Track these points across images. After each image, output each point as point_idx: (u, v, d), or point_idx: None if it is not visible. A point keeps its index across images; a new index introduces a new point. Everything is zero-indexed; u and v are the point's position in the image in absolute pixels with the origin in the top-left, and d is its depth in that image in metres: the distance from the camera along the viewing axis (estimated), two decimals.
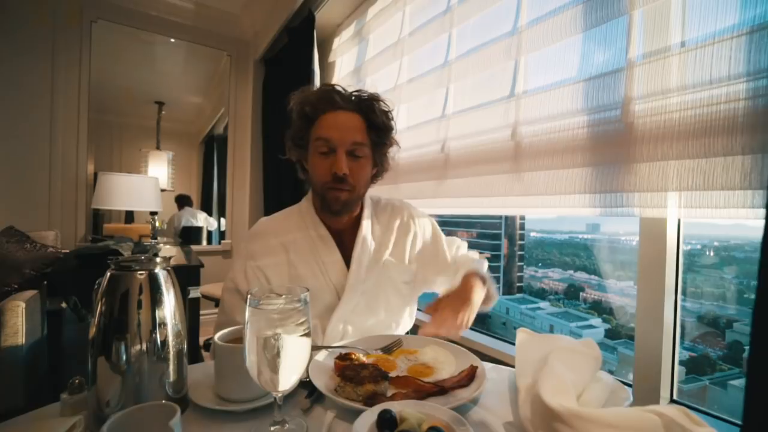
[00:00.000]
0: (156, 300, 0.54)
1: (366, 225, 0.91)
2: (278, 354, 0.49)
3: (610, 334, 1.62)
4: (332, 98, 0.83)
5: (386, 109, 0.88)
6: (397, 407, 0.49)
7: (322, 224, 0.88)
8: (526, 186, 1.13)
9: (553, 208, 1.06)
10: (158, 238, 2.61)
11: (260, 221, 0.94)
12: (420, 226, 0.99)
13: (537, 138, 1.10)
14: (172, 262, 0.60)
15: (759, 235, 0.58)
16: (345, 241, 0.90)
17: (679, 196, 0.78)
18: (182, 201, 3.18)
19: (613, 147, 0.90)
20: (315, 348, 0.73)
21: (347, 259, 0.88)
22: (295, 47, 2.47)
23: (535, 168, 1.10)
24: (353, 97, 0.85)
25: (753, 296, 0.59)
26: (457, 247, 1.06)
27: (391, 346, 0.80)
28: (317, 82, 2.32)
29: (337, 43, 2.41)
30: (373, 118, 0.84)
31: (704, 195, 0.75)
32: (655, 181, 0.82)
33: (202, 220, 3.26)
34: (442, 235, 1.04)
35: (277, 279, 0.85)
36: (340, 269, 0.88)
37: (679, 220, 0.92)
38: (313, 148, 0.83)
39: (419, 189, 1.60)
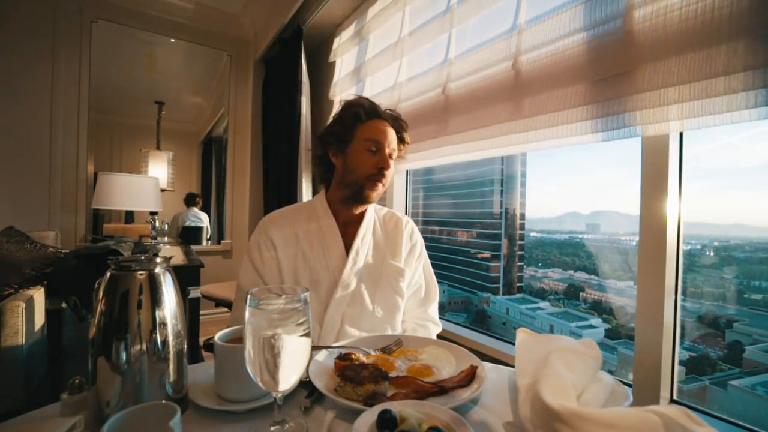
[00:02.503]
0: (156, 300, 0.54)
1: (368, 221, 1.02)
2: (278, 354, 0.49)
3: (610, 334, 1.62)
4: (378, 110, 1.00)
5: (407, 128, 1.05)
6: (397, 407, 0.49)
7: (332, 216, 0.99)
8: (527, 122, 1.11)
9: (555, 139, 1.04)
10: (158, 238, 2.61)
11: (274, 213, 1.04)
12: (421, 243, 1.10)
13: (538, 65, 1.09)
14: (172, 262, 0.60)
15: (759, 235, 0.57)
16: (349, 233, 0.99)
17: (680, 109, 0.78)
18: (190, 199, 3.19)
19: (614, 67, 0.90)
20: (315, 348, 0.73)
21: (347, 251, 0.97)
22: (286, 57, 2.51)
23: (536, 102, 1.08)
24: (388, 113, 1.03)
25: (753, 296, 0.59)
26: (431, 303, 1.11)
27: (391, 346, 0.80)
28: (306, 91, 2.35)
29: (337, 43, 2.41)
30: (401, 133, 1.02)
31: (705, 103, 0.74)
32: (656, 96, 0.81)
33: (205, 220, 3.26)
34: (429, 265, 1.14)
35: (289, 267, 0.95)
36: (340, 257, 0.96)
37: (679, 223, 0.92)
38: (360, 146, 0.96)
39: (420, 137, 1.57)
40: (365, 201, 0.97)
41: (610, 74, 0.91)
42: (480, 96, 1.30)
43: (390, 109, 1.04)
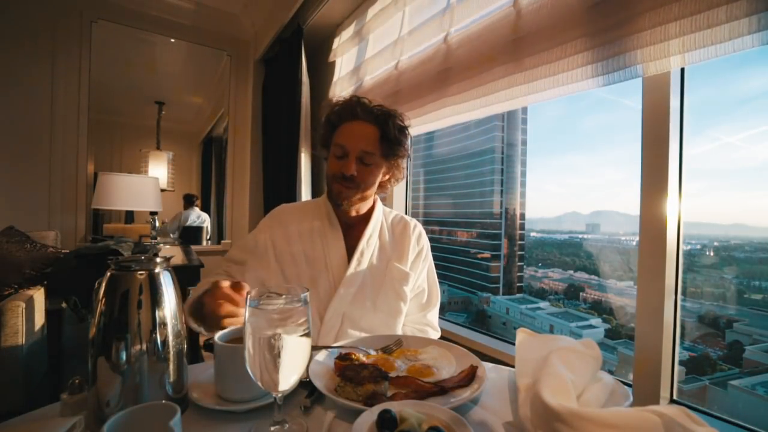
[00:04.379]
0: (156, 300, 0.54)
1: (374, 224, 1.00)
2: (278, 354, 0.49)
3: (610, 334, 1.62)
4: (354, 110, 0.94)
5: (401, 125, 0.97)
6: (397, 407, 0.49)
7: (335, 216, 0.99)
8: (527, 75, 1.10)
9: (556, 88, 1.03)
10: (158, 238, 2.61)
11: (286, 206, 1.05)
12: (427, 247, 1.09)
13: (538, 14, 1.08)
14: (172, 262, 0.60)
15: (759, 235, 0.57)
16: (353, 235, 0.98)
17: (681, 43, 0.77)
18: (188, 200, 3.19)
19: (614, 10, 0.89)
20: (315, 348, 0.73)
21: (350, 251, 0.96)
22: (287, 57, 2.51)
23: (536, 51, 1.07)
24: (374, 110, 0.95)
25: (753, 296, 0.59)
26: (432, 308, 1.10)
27: (391, 347, 0.80)
28: (306, 91, 2.35)
29: (337, 43, 2.41)
30: (387, 130, 0.94)
31: (707, 34, 0.74)
32: (657, 33, 0.80)
33: (207, 220, 3.27)
34: (434, 270, 1.13)
35: (290, 263, 0.95)
36: (342, 258, 0.95)
37: (679, 223, 0.92)
38: (332, 150, 0.96)
39: (421, 100, 1.55)
40: (336, 204, 0.96)
41: (610, 17, 0.90)
42: (481, 50, 1.28)
43: (380, 105, 0.96)
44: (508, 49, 1.17)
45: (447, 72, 1.43)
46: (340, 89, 2.33)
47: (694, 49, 0.76)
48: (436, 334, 1.07)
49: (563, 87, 1.01)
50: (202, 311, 0.70)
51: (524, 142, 2.17)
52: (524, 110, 2.19)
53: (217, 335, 0.62)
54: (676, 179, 0.92)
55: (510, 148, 2.17)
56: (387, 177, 1.01)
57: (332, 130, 0.97)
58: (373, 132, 0.93)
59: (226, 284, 0.68)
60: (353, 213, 0.99)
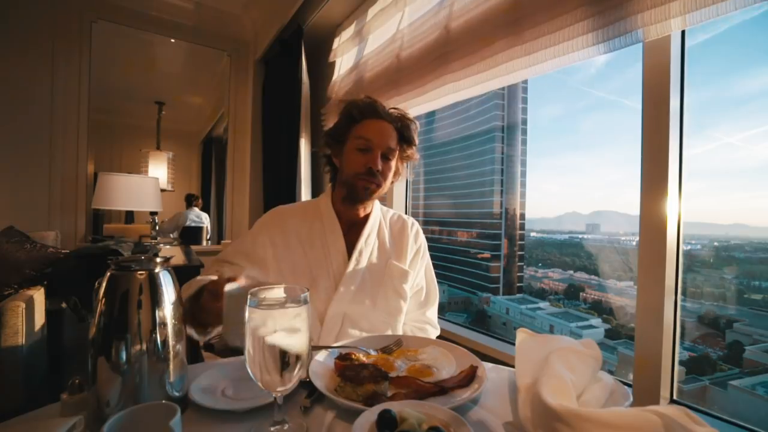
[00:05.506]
0: (156, 300, 0.54)
1: (373, 223, 1.01)
2: (278, 354, 0.49)
3: (610, 334, 1.62)
4: (376, 108, 0.98)
5: (414, 128, 1.02)
6: (397, 407, 0.49)
7: (335, 216, 0.99)
8: (527, 47, 1.09)
9: (556, 59, 1.02)
10: (158, 238, 2.61)
11: (283, 208, 1.05)
12: (425, 245, 1.11)
13: None
14: (172, 262, 0.60)
15: (759, 235, 0.57)
16: (352, 234, 0.99)
17: (682, 4, 0.77)
18: (189, 200, 3.20)
19: None
20: (315, 348, 0.73)
21: (350, 251, 0.97)
22: (287, 57, 2.51)
23: (536, 23, 1.06)
24: (392, 112, 1.00)
25: (753, 296, 0.59)
26: (431, 306, 1.11)
27: (391, 347, 0.80)
28: (305, 92, 2.36)
29: (337, 43, 2.41)
30: (404, 132, 1.00)
31: None
32: None
33: (206, 220, 3.27)
34: (431, 269, 1.15)
35: (288, 265, 0.95)
36: (342, 258, 0.96)
37: (679, 223, 0.92)
38: (352, 144, 0.96)
39: (422, 76, 1.55)
40: (358, 200, 0.97)
41: None
42: (481, 27, 1.27)
43: (395, 108, 1.01)
44: (508, 24, 1.16)
45: (447, 52, 1.42)
46: (340, 89, 2.33)
47: (695, 9, 0.75)
48: (435, 332, 1.08)
49: (564, 57, 1.01)
50: (198, 313, 0.70)
51: (524, 142, 2.17)
52: (524, 110, 2.19)
53: (227, 288, 0.62)
54: (676, 179, 0.92)
55: (510, 147, 2.17)
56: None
57: (351, 123, 0.98)
58: (394, 132, 0.98)
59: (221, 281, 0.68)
60: (361, 213, 1.00)
